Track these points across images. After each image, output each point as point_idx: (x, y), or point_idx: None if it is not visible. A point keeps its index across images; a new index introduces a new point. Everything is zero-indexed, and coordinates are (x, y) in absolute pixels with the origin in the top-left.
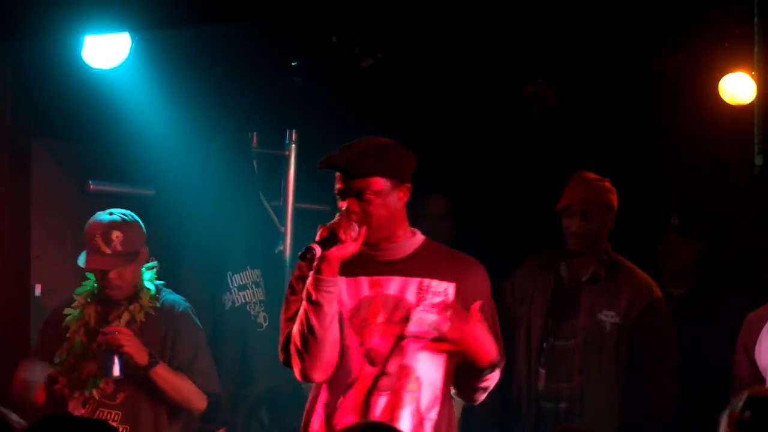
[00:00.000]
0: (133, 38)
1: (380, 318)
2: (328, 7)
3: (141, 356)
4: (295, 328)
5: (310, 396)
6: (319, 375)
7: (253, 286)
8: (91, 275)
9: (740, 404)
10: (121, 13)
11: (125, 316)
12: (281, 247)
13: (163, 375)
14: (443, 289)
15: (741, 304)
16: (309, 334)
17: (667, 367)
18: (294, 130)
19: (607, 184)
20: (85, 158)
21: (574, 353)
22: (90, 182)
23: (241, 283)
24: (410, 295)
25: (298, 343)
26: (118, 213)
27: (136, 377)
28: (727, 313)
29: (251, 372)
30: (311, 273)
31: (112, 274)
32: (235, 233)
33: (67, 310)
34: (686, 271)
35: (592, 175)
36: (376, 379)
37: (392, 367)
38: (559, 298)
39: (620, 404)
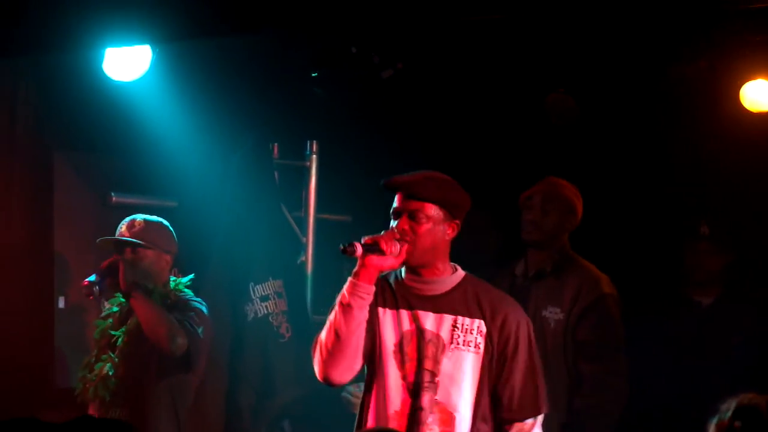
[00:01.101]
0: (153, 50)
1: (418, 353)
2: (348, 17)
3: (126, 279)
4: (324, 329)
5: (356, 425)
6: (336, 376)
7: (276, 296)
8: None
9: (729, 413)
10: (142, 26)
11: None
12: (303, 258)
13: (142, 300)
14: (476, 327)
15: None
16: (334, 334)
17: (611, 365)
18: (315, 141)
19: (574, 188)
20: (107, 170)
21: None
22: (112, 194)
23: (263, 293)
24: (444, 332)
25: (323, 342)
26: (149, 216)
27: (142, 377)
28: (754, 322)
29: (273, 383)
30: (349, 278)
31: (127, 254)
32: (256, 244)
33: (95, 321)
34: (714, 280)
35: (560, 179)
36: (414, 412)
37: (426, 401)
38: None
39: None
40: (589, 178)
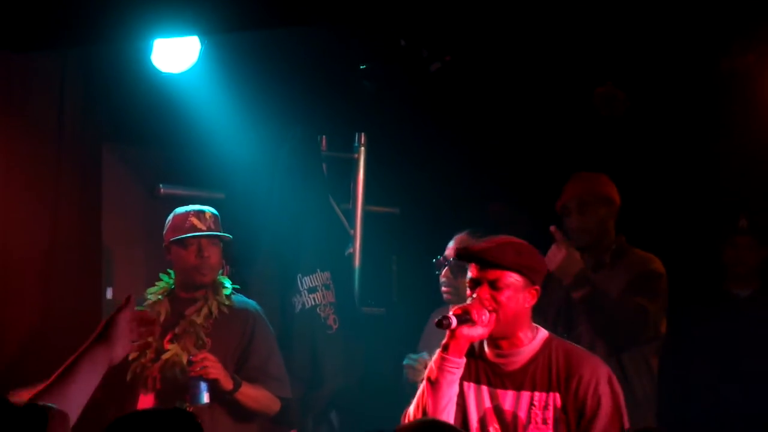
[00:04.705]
0: (202, 42)
1: None
2: (397, 11)
3: (227, 382)
4: (412, 406)
5: None
6: None
7: (323, 288)
8: (164, 276)
9: None
10: (191, 17)
11: (204, 311)
12: (351, 250)
13: (246, 393)
14: (551, 402)
15: None
16: (422, 413)
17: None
18: (363, 134)
19: (603, 178)
20: (156, 162)
21: (579, 340)
22: (160, 186)
23: (311, 285)
24: (522, 412)
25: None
26: (206, 207)
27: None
28: None
29: (321, 374)
30: (438, 351)
31: (206, 251)
32: (304, 236)
33: (137, 308)
34: (753, 273)
35: (586, 173)
36: None
37: None
38: (565, 308)
39: None
40: (636, 172)
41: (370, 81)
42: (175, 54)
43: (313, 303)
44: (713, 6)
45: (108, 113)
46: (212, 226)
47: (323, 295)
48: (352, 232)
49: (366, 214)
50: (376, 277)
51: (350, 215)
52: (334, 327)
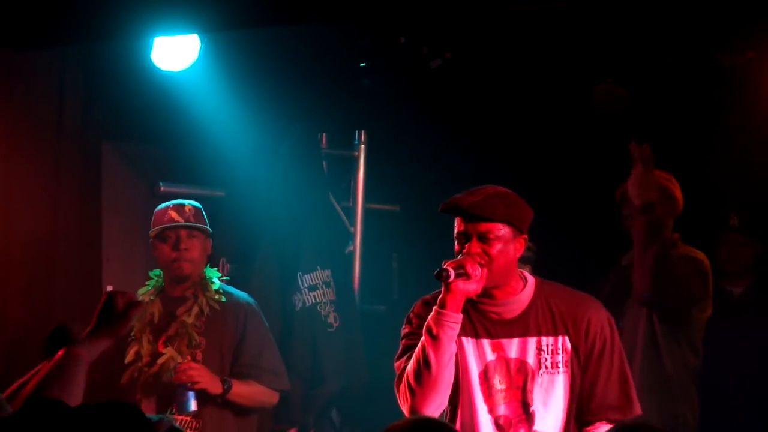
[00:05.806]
0: (202, 40)
1: (505, 384)
2: (397, 7)
3: (215, 386)
4: (410, 364)
5: None
6: (428, 412)
7: (324, 286)
8: (154, 273)
9: None
10: (190, 15)
11: (195, 310)
12: (351, 247)
13: (238, 393)
14: (560, 345)
15: None
16: (425, 368)
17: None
18: (363, 131)
19: (668, 175)
20: (156, 160)
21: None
22: (160, 184)
23: (311, 283)
24: (531, 357)
25: (411, 379)
26: (189, 201)
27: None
28: None
29: (322, 372)
30: (435, 307)
31: (184, 243)
32: (305, 234)
33: None
34: (745, 270)
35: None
36: None
37: None
38: (618, 287)
39: None
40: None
41: (371, 78)
42: (175, 52)
43: (313, 301)
44: (713, 3)
45: (108, 111)
46: (191, 219)
47: (324, 293)
48: (352, 229)
49: (366, 212)
50: (377, 275)
51: (350, 213)
52: (335, 325)
